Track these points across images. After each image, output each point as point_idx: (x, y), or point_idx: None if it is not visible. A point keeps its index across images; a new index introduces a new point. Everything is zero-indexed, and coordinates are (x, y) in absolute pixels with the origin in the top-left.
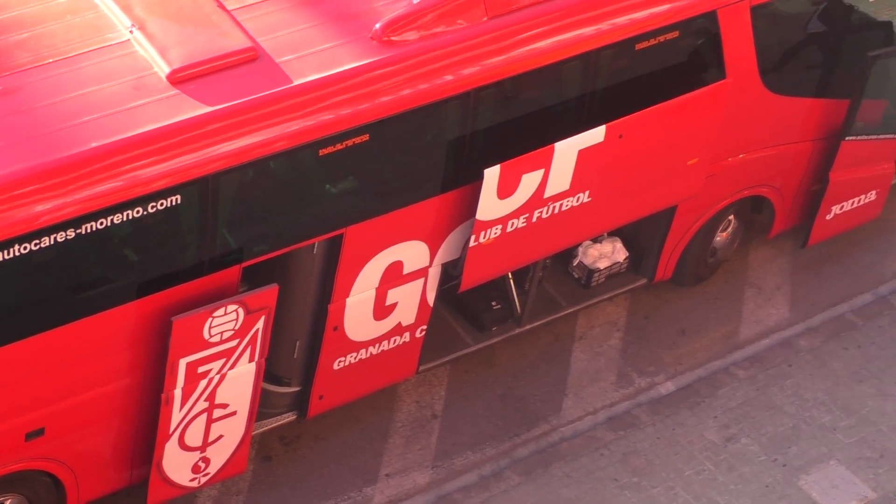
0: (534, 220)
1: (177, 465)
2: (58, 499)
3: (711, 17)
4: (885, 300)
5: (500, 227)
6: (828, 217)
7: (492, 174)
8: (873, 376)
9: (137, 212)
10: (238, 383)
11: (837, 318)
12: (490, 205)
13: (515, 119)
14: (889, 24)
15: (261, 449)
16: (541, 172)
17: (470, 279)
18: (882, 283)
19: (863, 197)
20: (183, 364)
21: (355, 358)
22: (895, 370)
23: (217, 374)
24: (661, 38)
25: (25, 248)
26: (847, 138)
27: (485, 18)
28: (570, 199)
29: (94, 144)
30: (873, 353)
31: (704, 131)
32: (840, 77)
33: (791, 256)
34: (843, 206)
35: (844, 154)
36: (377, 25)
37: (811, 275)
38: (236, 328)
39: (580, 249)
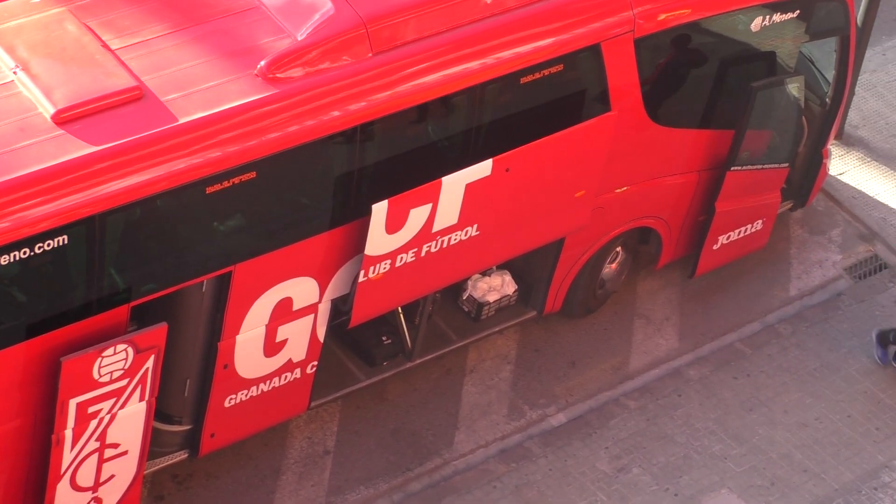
0: (423, 254)
1: None
2: None
3: (595, 50)
4: (773, 329)
5: (389, 261)
6: (715, 247)
7: (380, 209)
8: (763, 405)
9: (24, 252)
10: (129, 423)
11: (726, 347)
12: (378, 240)
13: (402, 154)
14: (772, 54)
15: (153, 488)
16: (429, 207)
17: (360, 314)
18: (770, 311)
19: (749, 226)
20: (73, 404)
21: (246, 395)
22: (784, 398)
23: (107, 413)
24: (546, 72)
25: None
26: (732, 168)
27: (370, 54)
28: (459, 232)
29: None
30: (762, 382)
31: (591, 163)
32: (724, 108)
33: (679, 287)
34: (729, 236)
35: (730, 184)
36: (262, 63)
37: (699, 305)
38: (126, 367)
39: (469, 283)
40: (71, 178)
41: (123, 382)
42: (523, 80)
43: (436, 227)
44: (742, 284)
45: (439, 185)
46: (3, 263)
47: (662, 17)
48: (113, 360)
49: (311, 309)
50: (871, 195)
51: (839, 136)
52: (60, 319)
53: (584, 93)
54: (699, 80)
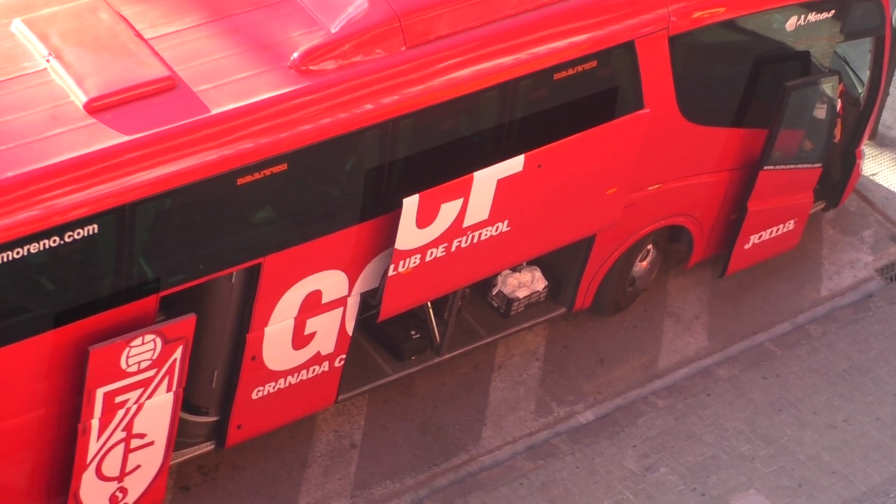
0: (453, 249)
1: (94, 495)
2: None
3: (629, 47)
4: (803, 329)
5: (419, 256)
6: (746, 246)
7: (411, 203)
8: (791, 405)
9: (54, 241)
10: (156, 413)
11: (756, 347)
12: (409, 234)
13: (434, 148)
14: (806, 53)
15: (179, 479)
16: (460, 202)
17: (389, 308)
18: (800, 312)
19: (781, 226)
20: (100, 394)
21: (274, 387)
22: (813, 399)
23: (134, 403)
24: (580, 68)
25: None
26: (765, 168)
27: (403, 48)
28: (490, 228)
29: (10, 174)
30: (791, 382)
31: (623, 161)
32: (758, 107)
33: (709, 285)
34: (761, 236)
35: (762, 184)
36: (295, 54)
37: (729, 304)
38: (154, 358)
39: (499, 279)
40: (102, 168)
41: (151, 373)
42: (557, 76)
43: (466, 223)
44: (772, 284)
45: (471, 181)
46: (32, 251)
47: (697, 14)
48: (141, 350)
49: (341, 302)
50: None
51: (873, 137)
52: (89, 309)
53: (618, 90)
54: (733, 79)
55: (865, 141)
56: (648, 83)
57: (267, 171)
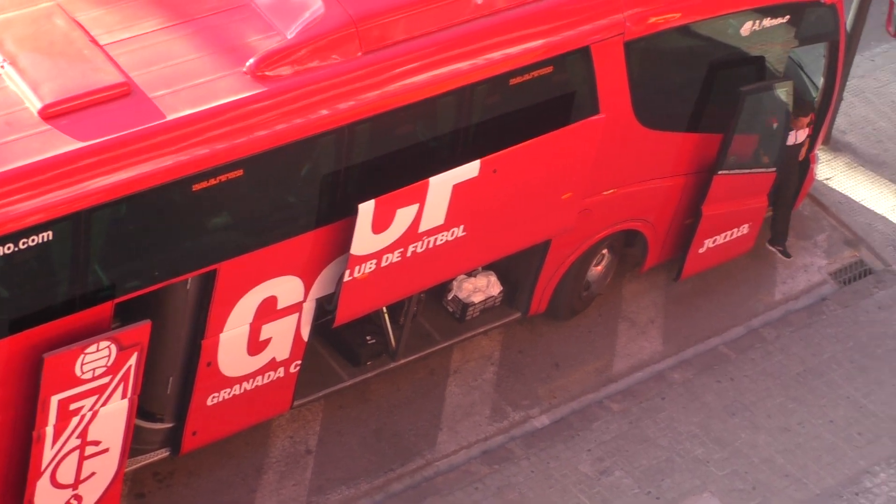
0: (408, 254)
1: (49, 502)
2: None
3: (585, 52)
4: (758, 333)
5: (374, 261)
6: (700, 250)
7: (366, 209)
8: (745, 409)
9: (9, 248)
10: (110, 420)
11: (710, 351)
12: (365, 239)
13: (390, 154)
14: (761, 59)
15: (133, 486)
16: (415, 207)
17: (344, 314)
18: (754, 316)
19: (735, 230)
20: (55, 401)
21: (229, 393)
22: (767, 402)
23: (89, 410)
24: (536, 74)
25: None
26: (719, 172)
27: (359, 53)
28: (445, 233)
29: None
30: (746, 386)
31: (578, 166)
32: (713, 112)
33: (664, 290)
34: (715, 240)
35: (717, 188)
36: (251, 60)
37: (684, 308)
38: (109, 365)
39: (455, 283)
40: (57, 174)
41: (106, 380)
42: (512, 81)
43: (422, 228)
44: (727, 288)
45: (426, 186)
46: None
47: (652, 20)
48: (96, 357)
49: (296, 308)
50: (857, 200)
51: (826, 142)
52: (43, 315)
53: (573, 95)
54: (688, 84)
55: (819, 146)
56: (604, 88)
57: (222, 177)
